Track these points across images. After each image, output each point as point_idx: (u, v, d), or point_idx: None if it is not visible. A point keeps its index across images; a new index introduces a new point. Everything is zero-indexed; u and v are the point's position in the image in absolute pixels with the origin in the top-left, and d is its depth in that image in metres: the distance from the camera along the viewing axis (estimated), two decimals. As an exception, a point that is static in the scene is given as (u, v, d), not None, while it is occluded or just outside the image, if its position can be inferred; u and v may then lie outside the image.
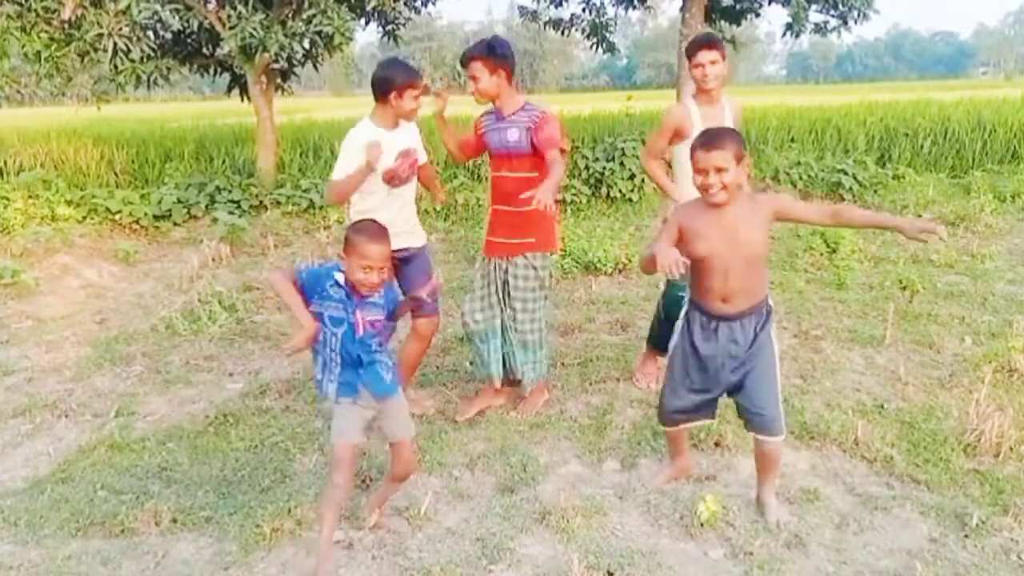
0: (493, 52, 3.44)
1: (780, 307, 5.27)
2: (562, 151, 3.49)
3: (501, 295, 3.66)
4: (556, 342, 4.74)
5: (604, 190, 8.57)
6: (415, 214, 3.67)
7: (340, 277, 2.50)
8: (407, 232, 3.56)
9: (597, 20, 10.73)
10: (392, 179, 3.39)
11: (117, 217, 7.38)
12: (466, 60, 3.51)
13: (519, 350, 3.68)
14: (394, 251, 3.46)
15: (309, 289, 2.51)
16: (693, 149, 2.57)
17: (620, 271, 6.24)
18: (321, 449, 3.44)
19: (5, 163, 8.94)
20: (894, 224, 2.58)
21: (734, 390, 2.76)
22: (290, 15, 7.41)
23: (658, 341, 4.02)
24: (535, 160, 3.50)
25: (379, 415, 2.64)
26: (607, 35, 10.94)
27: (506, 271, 3.62)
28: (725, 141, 2.52)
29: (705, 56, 3.55)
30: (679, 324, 2.84)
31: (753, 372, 2.69)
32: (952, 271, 6.23)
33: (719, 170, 2.49)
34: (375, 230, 2.47)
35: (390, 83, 3.32)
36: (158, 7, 6.66)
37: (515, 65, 3.55)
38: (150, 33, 7.34)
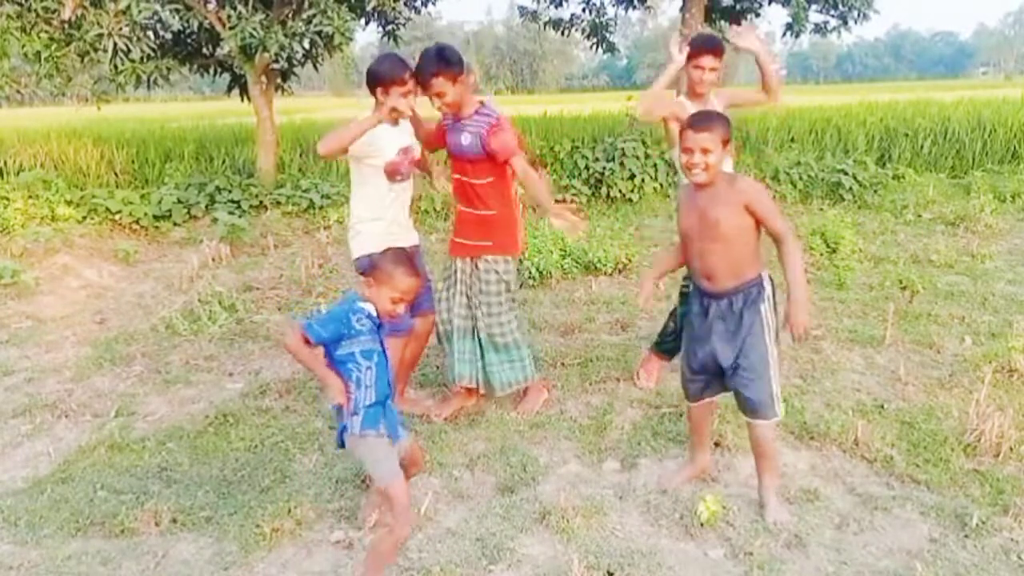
0: (450, 63, 3.27)
1: (780, 307, 5.26)
2: (533, 162, 3.40)
3: (468, 296, 3.62)
4: (556, 342, 4.74)
5: (604, 190, 8.57)
6: (409, 214, 3.67)
7: (369, 308, 2.38)
8: (408, 229, 3.57)
9: (597, 20, 10.74)
10: (394, 173, 3.40)
11: (117, 217, 7.38)
12: (426, 78, 3.27)
13: (490, 352, 3.64)
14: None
15: (333, 335, 2.35)
16: (684, 128, 2.68)
17: (620, 271, 6.24)
18: (321, 449, 3.44)
19: (5, 163, 8.94)
20: (791, 298, 2.64)
21: (729, 370, 2.80)
22: (290, 15, 7.41)
23: (662, 346, 4.04)
24: (490, 165, 3.43)
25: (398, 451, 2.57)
26: (607, 35, 10.95)
27: (470, 274, 3.60)
28: (714, 124, 2.65)
29: (708, 61, 3.56)
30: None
31: (743, 354, 2.74)
32: (952, 271, 6.23)
33: (705, 151, 2.61)
34: (412, 263, 2.39)
35: (376, 78, 3.27)
36: (158, 7, 6.65)
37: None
38: (150, 33, 7.33)
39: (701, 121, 2.67)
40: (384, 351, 2.42)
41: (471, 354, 3.66)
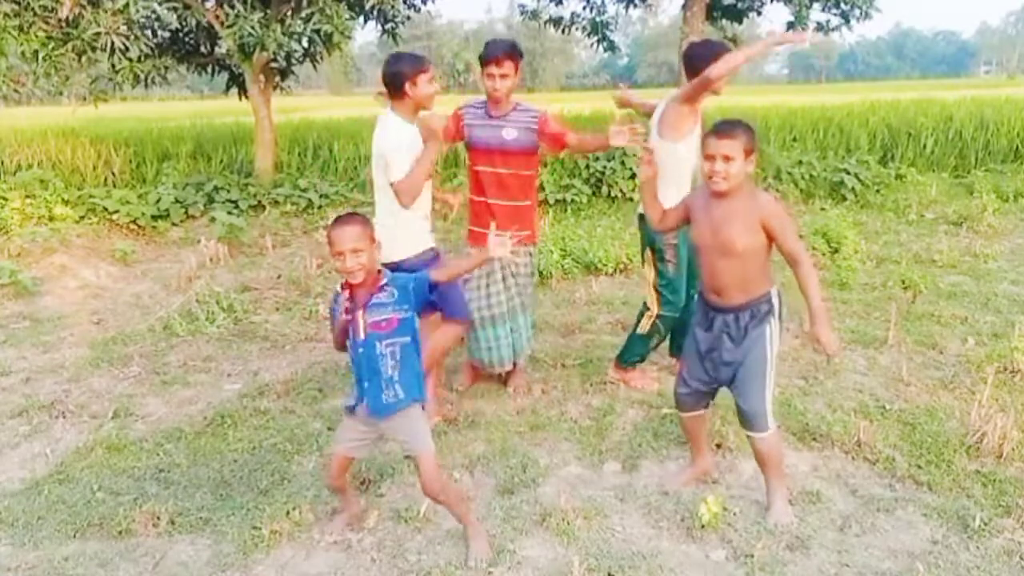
0: (521, 54, 3.58)
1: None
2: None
3: (504, 284, 3.76)
4: (556, 342, 4.73)
5: (605, 189, 8.54)
6: None
7: (341, 283, 2.52)
8: None
9: (597, 18, 10.72)
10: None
11: (115, 217, 7.35)
12: (500, 56, 3.47)
13: (528, 326, 3.93)
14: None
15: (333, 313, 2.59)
16: (707, 136, 2.63)
17: (621, 271, 6.22)
18: (320, 451, 3.41)
19: (2, 163, 8.89)
20: (814, 318, 2.65)
21: (730, 383, 2.79)
22: (288, 13, 7.38)
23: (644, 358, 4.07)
24: (534, 158, 3.68)
25: (386, 432, 2.63)
26: (608, 33, 10.92)
27: (505, 263, 3.70)
28: (738, 132, 2.58)
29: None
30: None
31: (743, 368, 2.71)
32: (955, 271, 6.21)
33: (727, 158, 2.55)
34: (343, 217, 2.48)
35: (402, 75, 3.28)
36: (156, 5, 6.63)
37: None
38: (148, 32, 7.33)
39: (725, 128, 2.60)
40: (355, 329, 2.48)
41: (507, 338, 3.83)
